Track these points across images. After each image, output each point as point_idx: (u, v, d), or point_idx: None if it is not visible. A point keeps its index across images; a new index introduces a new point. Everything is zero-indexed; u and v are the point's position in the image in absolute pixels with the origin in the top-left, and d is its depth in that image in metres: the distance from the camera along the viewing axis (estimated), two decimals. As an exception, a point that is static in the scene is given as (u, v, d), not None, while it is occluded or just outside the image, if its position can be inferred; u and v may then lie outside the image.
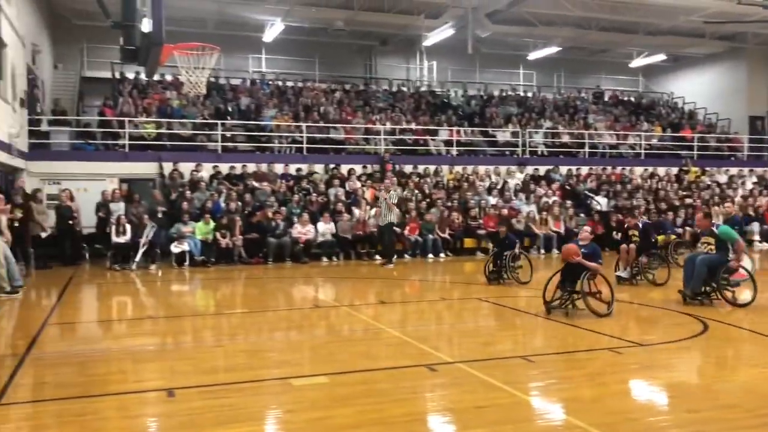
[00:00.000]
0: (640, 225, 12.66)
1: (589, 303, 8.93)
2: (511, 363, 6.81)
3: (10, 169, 15.68)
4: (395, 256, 16.20)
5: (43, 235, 15.17)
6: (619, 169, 22.78)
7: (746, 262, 12.06)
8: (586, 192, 20.81)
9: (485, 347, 7.65)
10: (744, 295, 10.13)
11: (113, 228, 15.41)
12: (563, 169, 22.04)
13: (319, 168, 19.74)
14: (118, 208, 16.15)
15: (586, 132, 23.90)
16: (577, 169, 22.09)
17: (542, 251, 18.48)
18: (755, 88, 27.71)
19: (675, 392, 5.80)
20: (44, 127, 18.60)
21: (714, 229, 10.42)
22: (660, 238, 13.80)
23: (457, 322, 9.40)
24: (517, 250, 12.57)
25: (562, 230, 18.93)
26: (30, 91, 17.67)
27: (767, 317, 9.39)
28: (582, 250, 9.49)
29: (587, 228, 10.89)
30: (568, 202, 19.75)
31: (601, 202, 20.08)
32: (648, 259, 12.26)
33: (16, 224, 13.31)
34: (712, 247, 10.16)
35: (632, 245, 12.29)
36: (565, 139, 23.71)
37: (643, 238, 12.32)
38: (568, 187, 21.09)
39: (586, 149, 23.34)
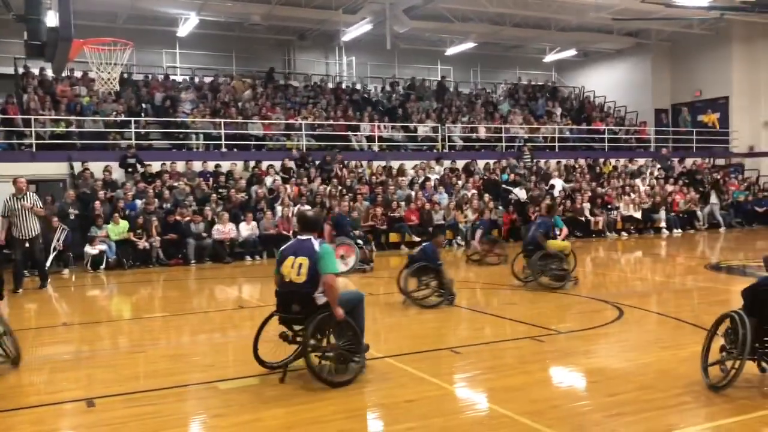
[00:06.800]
0: None
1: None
2: (439, 355, 6.91)
3: None
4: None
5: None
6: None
7: None
8: (504, 185, 21.29)
9: (412, 341, 7.72)
10: None
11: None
12: (481, 163, 22.47)
13: (239, 164, 19.36)
14: (26, 210, 15.32)
15: (503, 126, 24.46)
16: (495, 162, 22.55)
17: (463, 242, 18.85)
18: (659, 82, 29.12)
19: (595, 377, 6.03)
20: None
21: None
22: None
23: (384, 317, 9.43)
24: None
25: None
26: (-76, 89, 16.57)
27: (675, 300, 9.91)
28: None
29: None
30: (487, 195, 20.15)
31: (519, 195, 20.61)
32: None
33: None
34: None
35: None
36: (482, 133, 24.19)
37: None
38: (485, 179, 21.51)
39: (503, 143, 23.89)
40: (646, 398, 5.33)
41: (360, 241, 14.09)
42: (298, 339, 6.10)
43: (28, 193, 11.78)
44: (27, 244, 11.56)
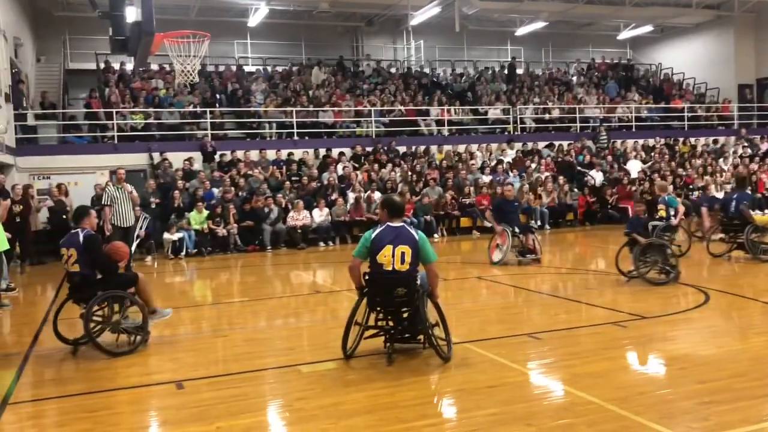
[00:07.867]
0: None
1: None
2: (518, 340, 6.82)
3: (-2, 165, 15.49)
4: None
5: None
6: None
7: None
8: (579, 167, 20.79)
9: (490, 326, 7.65)
10: None
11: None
12: (554, 144, 22.00)
13: (310, 152, 19.61)
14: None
15: (576, 106, 23.85)
16: (569, 144, 22.03)
17: (538, 224, 18.52)
18: (743, 56, 27.65)
19: (683, 364, 5.82)
20: (30, 122, 18.35)
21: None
22: None
23: (460, 301, 9.37)
24: None
25: (555, 204, 18.97)
26: (14, 86, 17.40)
27: (763, 284, 9.46)
28: None
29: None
30: (561, 178, 19.73)
31: (595, 177, 20.08)
32: None
33: (17, 220, 13.05)
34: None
35: None
36: (555, 114, 23.66)
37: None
38: (559, 161, 21.04)
39: (577, 123, 23.31)
40: (740, 386, 5.11)
41: (517, 229, 12.35)
42: (380, 323, 6.21)
43: (125, 183, 12.36)
44: (122, 233, 11.96)
